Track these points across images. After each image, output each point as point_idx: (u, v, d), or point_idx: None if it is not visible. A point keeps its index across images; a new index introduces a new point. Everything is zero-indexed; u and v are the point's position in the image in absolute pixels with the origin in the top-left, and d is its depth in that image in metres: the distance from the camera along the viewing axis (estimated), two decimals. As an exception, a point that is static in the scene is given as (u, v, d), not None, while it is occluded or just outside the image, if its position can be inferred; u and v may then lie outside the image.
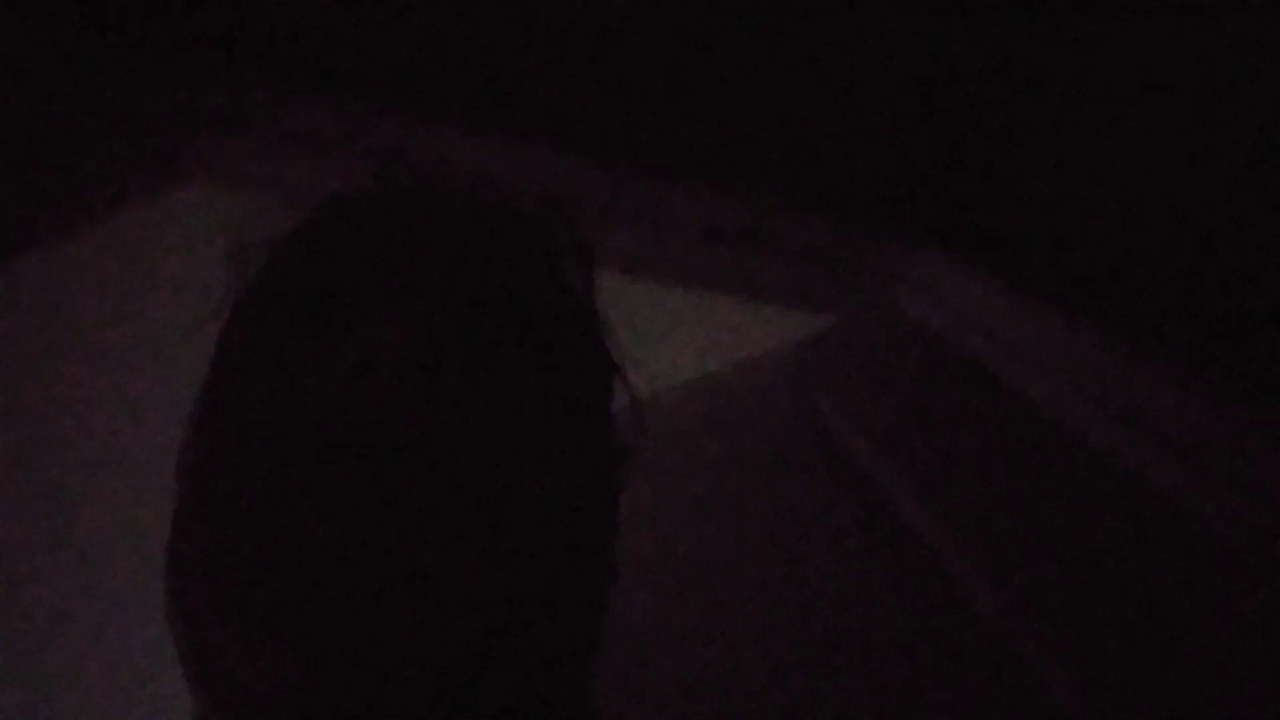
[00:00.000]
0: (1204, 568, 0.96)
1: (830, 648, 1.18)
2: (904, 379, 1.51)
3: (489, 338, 0.50)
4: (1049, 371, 1.30)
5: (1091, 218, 1.33)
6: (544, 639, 0.51)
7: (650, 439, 0.58)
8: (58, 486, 1.52)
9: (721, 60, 1.40)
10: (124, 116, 1.13)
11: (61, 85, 1.09)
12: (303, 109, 1.27)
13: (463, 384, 0.48)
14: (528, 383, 0.51)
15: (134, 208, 1.18)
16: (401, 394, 0.47)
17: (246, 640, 0.48)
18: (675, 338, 1.76)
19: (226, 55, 1.30)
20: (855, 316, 1.58)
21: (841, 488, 1.46)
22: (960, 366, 1.45)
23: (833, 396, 1.56)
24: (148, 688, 1.53)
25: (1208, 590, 0.94)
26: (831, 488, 1.50)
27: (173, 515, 0.52)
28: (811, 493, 1.52)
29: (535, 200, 0.59)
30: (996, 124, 1.53)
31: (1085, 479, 1.15)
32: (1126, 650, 0.97)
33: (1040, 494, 1.19)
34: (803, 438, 1.54)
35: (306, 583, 0.47)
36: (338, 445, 0.47)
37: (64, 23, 1.14)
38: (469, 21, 1.39)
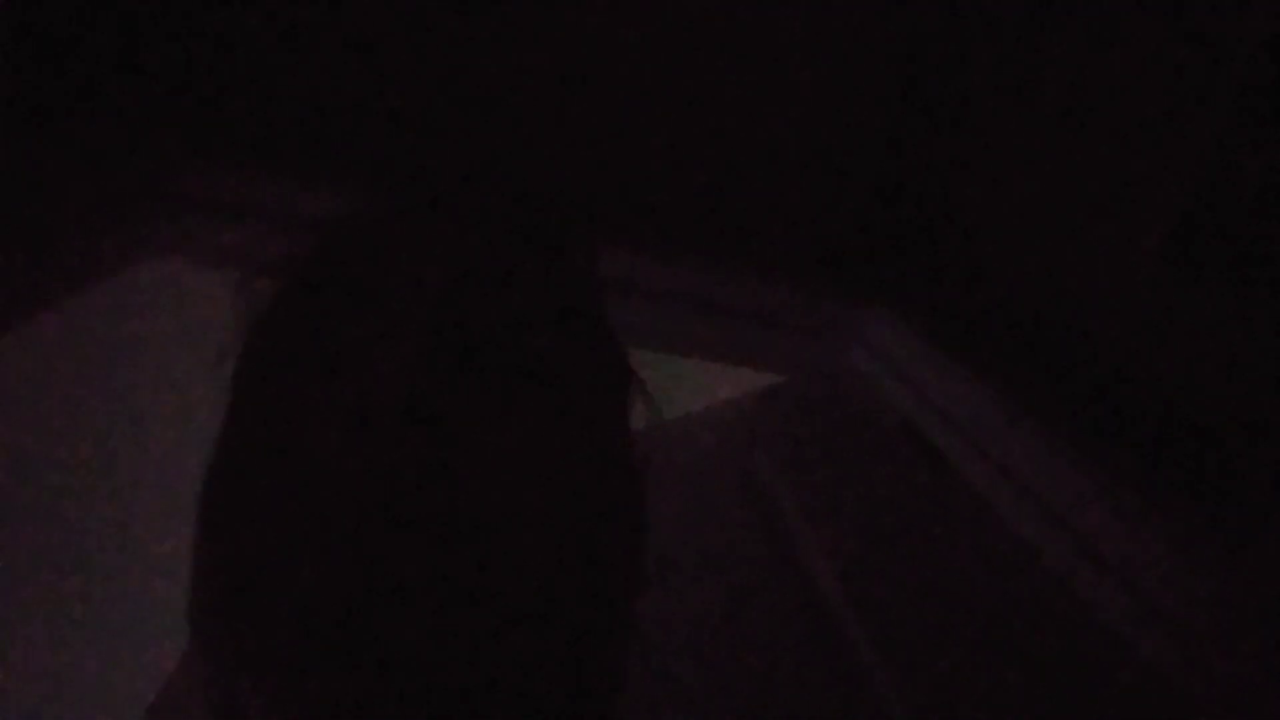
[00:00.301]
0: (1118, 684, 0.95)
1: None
2: (843, 441, 1.50)
3: (487, 368, 0.48)
4: (980, 449, 1.29)
5: (1031, 297, 1.33)
6: (575, 655, 0.49)
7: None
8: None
9: (669, 127, 1.39)
10: (98, 198, 1.12)
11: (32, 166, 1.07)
12: (279, 188, 1.25)
13: (461, 419, 0.47)
14: (531, 405, 0.49)
15: (108, 277, 1.16)
16: (398, 441, 0.46)
17: (266, 687, 0.46)
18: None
19: (202, 138, 1.29)
20: (801, 374, 1.58)
21: (773, 551, 1.45)
22: (901, 433, 1.45)
23: (769, 455, 1.54)
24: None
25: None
26: (764, 549, 1.48)
27: (193, 561, 0.51)
28: (745, 553, 1.50)
29: (540, 210, 0.57)
30: (946, 191, 1.53)
31: (1010, 573, 1.14)
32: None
33: (962, 581, 1.17)
34: (738, 497, 1.53)
35: (326, 628, 0.45)
36: (343, 496, 0.45)
37: (37, 106, 1.12)
38: (445, 106, 1.37)
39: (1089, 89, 1.23)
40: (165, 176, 1.15)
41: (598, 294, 0.57)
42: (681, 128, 1.41)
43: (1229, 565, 0.88)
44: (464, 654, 0.45)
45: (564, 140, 1.37)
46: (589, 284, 0.57)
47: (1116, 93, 1.18)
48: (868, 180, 1.48)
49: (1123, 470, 1.03)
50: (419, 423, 0.46)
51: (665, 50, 1.38)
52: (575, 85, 1.36)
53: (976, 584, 1.16)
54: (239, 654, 0.47)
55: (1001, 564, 1.16)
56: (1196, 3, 1.01)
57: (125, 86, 1.26)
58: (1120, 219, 1.16)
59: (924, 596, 1.17)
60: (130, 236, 1.15)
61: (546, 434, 0.49)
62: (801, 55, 1.41)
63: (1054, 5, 1.27)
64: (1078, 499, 1.08)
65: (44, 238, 1.01)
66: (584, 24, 1.35)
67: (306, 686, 0.46)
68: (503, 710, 0.46)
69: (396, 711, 0.45)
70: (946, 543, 1.23)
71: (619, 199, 1.40)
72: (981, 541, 1.21)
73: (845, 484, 1.42)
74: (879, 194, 1.49)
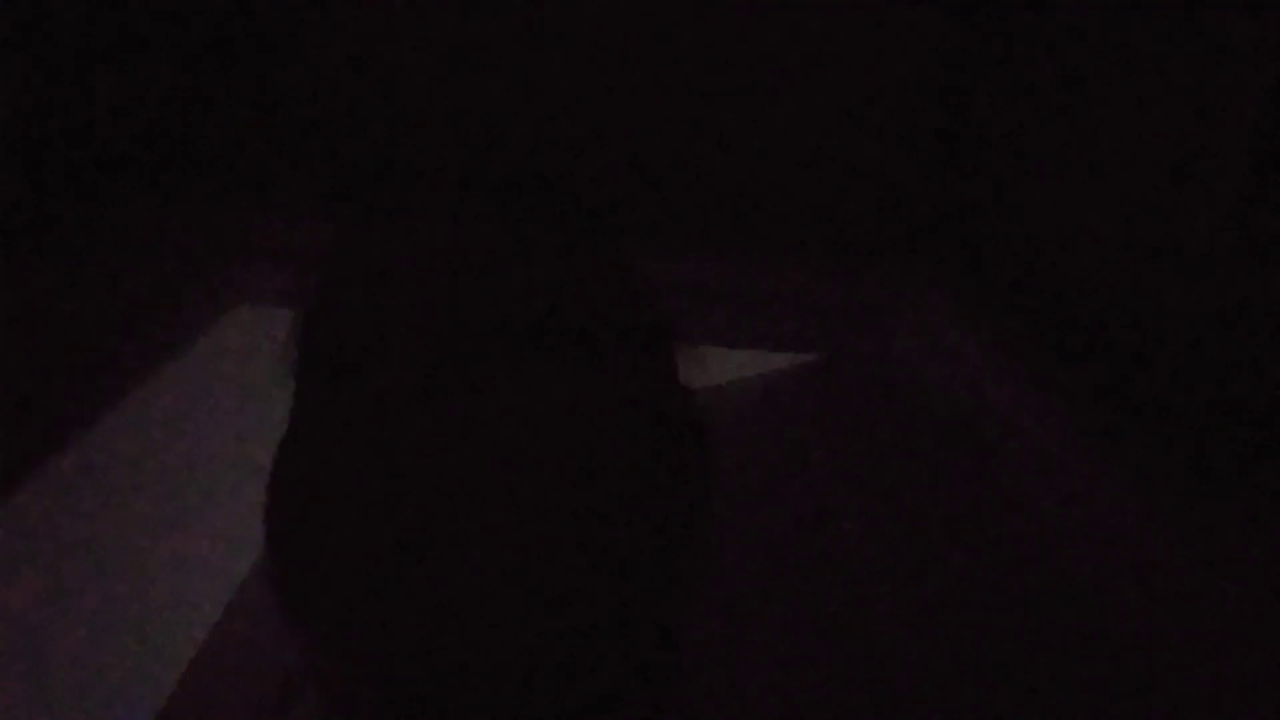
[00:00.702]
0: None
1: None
2: (888, 423, 1.52)
3: (512, 339, 0.50)
4: (1022, 443, 1.31)
5: (1094, 274, 1.30)
6: (635, 628, 0.50)
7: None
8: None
9: (706, 113, 1.37)
10: (171, 257, 1.15)
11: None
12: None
13: (469, 408, 0.48)
14: (563, 372, 0.50)
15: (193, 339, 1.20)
16: (407, 430, 0.48)
17: (342, 660, 0.49)
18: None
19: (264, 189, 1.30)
20: (847, 353, 1.58)
21: (811, 527, 1.50)
22: (943, 418, 1.46)
23: (817, 430, 1.58)
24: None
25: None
26: (806, 527, 1.53)
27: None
28: (785, 524, 1.55)
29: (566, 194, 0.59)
30: (1005, 163, 1.49)
31: (1039, 581, 1.18)
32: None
33: (993, 581, 1.21)
34: (783, 469, 1.57)
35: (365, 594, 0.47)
36: (374, 495, 0.48)
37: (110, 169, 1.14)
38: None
39: (1140, 71, 1.18)
40: (236, 228, 1.19)
41: (625, 261, 0.58)
42: (722, 112, 1.40)
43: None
44: (511, 628, 0.46)
45: (604, 128, 1.37)
46: (616, 254, 0.57)
47: (1167, 71, 1.13)
48: (914, 159, 1.46)
49: (1167, 467, 1.03)
50: (422, 406, 0.48)
51: (699, 41, 1.35)
52: (609, 73, 1.35)
53: (1004, 571, 1.20)
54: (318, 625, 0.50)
55: (1031, 551, 1.20)
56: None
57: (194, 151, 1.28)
58: (1175, 198, 1.13)
59: (956, 581, 1.21)
60: (211, 290, 1.20)
61: (581, 398, 0.50)
62: (848, 33, 1.37)
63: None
64: (1115, 492, 1.10)
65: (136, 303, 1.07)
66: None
67: (354, 643, 0.48)
68: (545, 684, 0.47)
69: (435, 675, 0.47)
70: (981, 529, 1.27)
71: (657, 187, 1.40)
72: (1016, 530, 1.24)
73: (888, 463, 1.46)
74: (926, 172, 1.47)
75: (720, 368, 1.65)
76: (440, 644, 0.48)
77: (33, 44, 0.97)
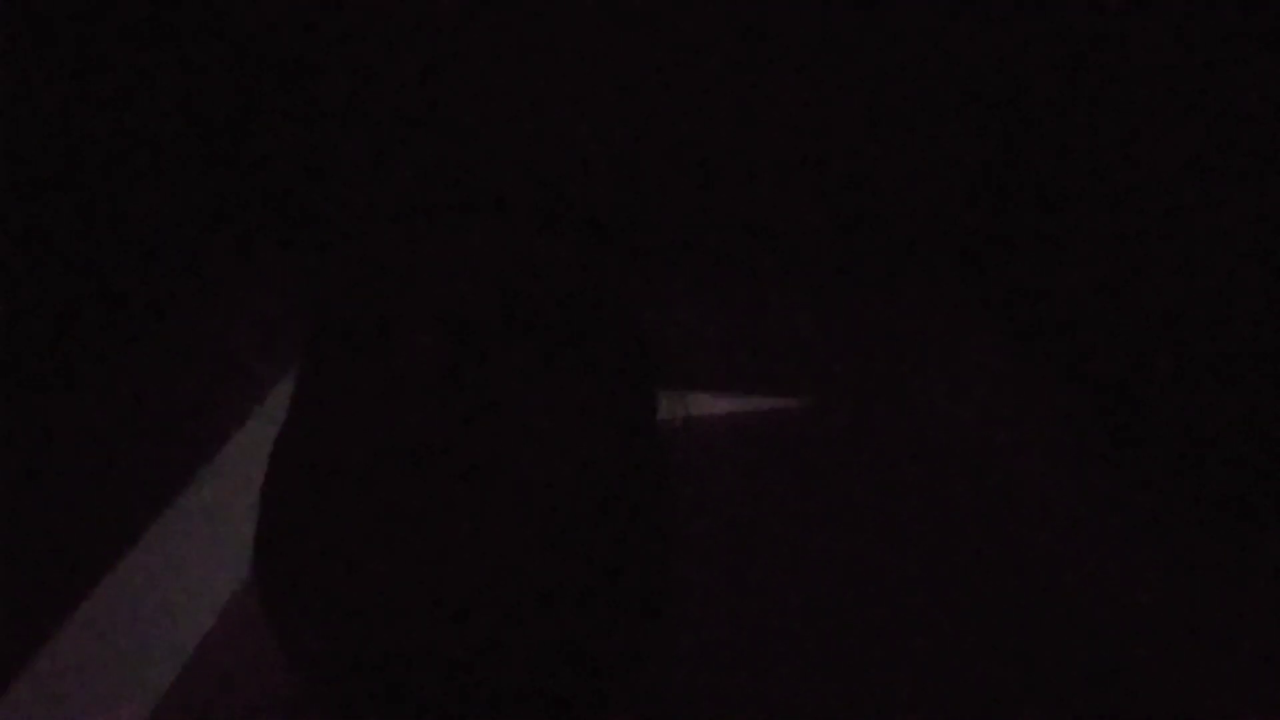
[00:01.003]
0: None
1: None
2: (890, 458, 1.50)
3: (513, 336, 0.52)
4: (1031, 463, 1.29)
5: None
6: (611, 613, 0.51)
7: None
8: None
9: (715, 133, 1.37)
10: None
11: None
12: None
13: (487, 383, 0.51)
14: (562, 378, 0.53)
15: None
16: (428, 404, 0.50)
17: (327, 636, 0.50)
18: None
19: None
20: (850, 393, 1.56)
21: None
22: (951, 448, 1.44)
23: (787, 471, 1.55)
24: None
25: None
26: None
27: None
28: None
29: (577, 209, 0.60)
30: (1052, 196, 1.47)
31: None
32: None
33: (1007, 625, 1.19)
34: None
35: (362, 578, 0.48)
36: (383, 463, 0.49)
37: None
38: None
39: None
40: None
41: (626, 292, 0.61)
42: (734, 133, 1.39)
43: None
44: (485, 612, 0.47)
45: (619, 146, 1.37)
46: (618, 279, 0.60)
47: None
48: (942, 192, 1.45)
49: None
50: (446, 378, 0.50)
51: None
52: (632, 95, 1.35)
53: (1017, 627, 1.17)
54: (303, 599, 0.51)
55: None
56: None
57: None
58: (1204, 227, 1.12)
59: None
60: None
61: (577, 405, 0.52)
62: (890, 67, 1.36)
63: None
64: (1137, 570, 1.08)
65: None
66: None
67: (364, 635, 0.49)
68: (517, 669, 0.48)
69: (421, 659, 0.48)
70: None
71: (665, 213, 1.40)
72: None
73: (886, 500, 1.43)
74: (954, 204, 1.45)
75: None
76: (417, 639, 0.48)
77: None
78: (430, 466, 0.49)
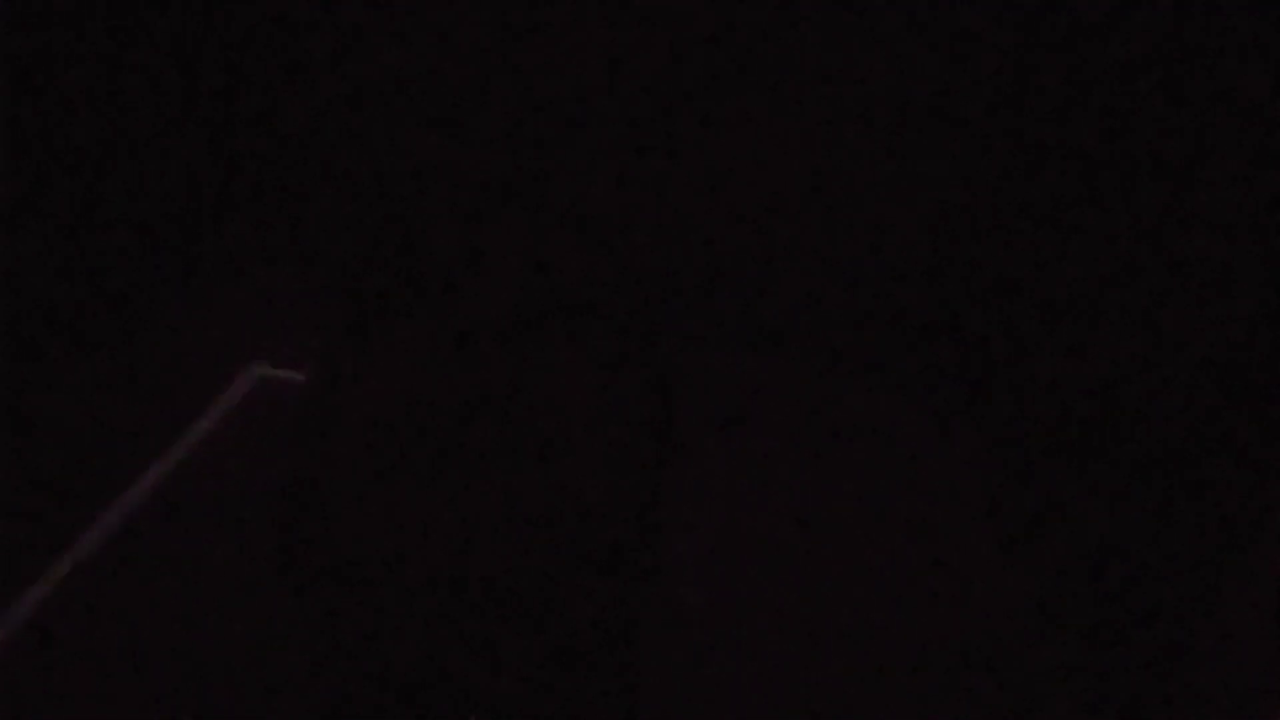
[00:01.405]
0: None
1: None
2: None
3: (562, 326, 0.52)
4: None
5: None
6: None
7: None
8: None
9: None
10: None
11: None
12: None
13: (551, 345, 0.50)
14: (591, 373, 0.53)
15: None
16: (500, 355, 0.48)
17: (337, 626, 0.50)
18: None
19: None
20: None
21: None
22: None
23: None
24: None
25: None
26: None
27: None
28: None
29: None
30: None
31: None
32: None
33: None
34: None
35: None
36: (436, 422, 0.49)
37: None
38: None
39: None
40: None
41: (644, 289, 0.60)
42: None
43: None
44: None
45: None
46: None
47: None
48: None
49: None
50: (519, 331, 0.51)
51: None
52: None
53: None
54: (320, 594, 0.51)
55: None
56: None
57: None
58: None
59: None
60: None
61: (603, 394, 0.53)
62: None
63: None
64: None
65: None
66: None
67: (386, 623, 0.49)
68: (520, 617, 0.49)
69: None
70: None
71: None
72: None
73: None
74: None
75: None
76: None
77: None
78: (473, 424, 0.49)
